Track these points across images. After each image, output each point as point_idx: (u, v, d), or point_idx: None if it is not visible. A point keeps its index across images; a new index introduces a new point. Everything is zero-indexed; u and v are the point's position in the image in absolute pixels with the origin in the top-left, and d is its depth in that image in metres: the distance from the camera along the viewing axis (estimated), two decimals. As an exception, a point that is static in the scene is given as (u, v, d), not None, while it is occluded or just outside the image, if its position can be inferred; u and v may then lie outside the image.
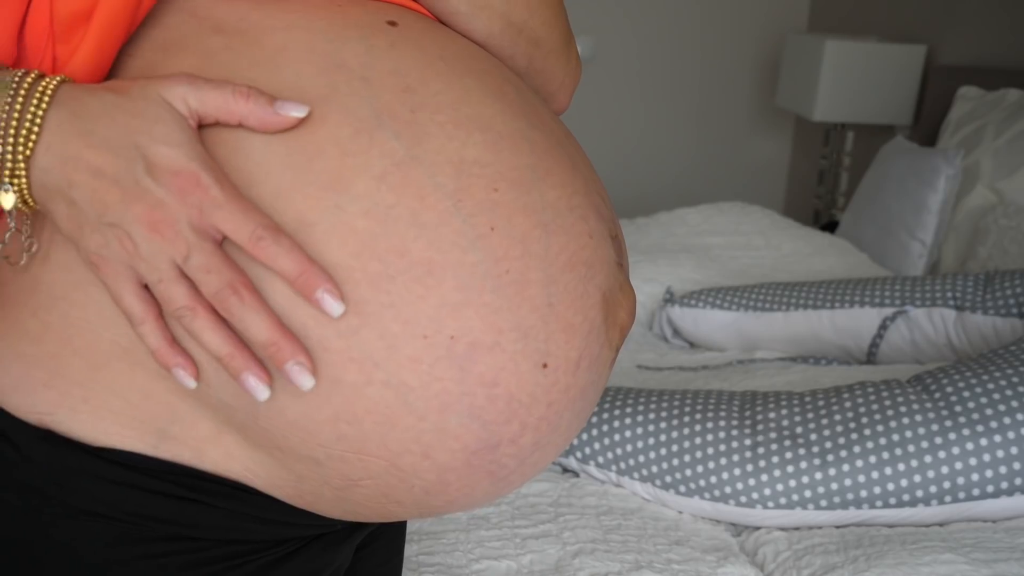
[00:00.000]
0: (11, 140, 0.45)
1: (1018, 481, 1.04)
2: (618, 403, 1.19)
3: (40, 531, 0.51)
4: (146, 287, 0.47)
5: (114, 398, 0.50)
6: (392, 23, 0.54)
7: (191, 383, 0.48)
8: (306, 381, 0.46)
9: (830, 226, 2.70)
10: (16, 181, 0.46)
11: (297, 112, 0.48)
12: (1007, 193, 2.00)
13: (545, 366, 0.51)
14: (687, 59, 3.18)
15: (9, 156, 0.46)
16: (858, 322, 1.61)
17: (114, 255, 0.46)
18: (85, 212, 0.46)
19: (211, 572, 0.53)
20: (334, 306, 0.46)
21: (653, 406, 1.17)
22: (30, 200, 0.47)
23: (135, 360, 0.50)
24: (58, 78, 0.47)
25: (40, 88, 0.46)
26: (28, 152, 0.46)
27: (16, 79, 0.46)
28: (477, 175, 0.50)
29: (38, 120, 0.45)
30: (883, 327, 1.59)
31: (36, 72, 0.47)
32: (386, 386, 0.48)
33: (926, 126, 2.44)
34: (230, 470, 0.52)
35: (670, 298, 1.77)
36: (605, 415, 1.17)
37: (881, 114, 2.61)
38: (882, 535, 1.04)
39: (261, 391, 0.47)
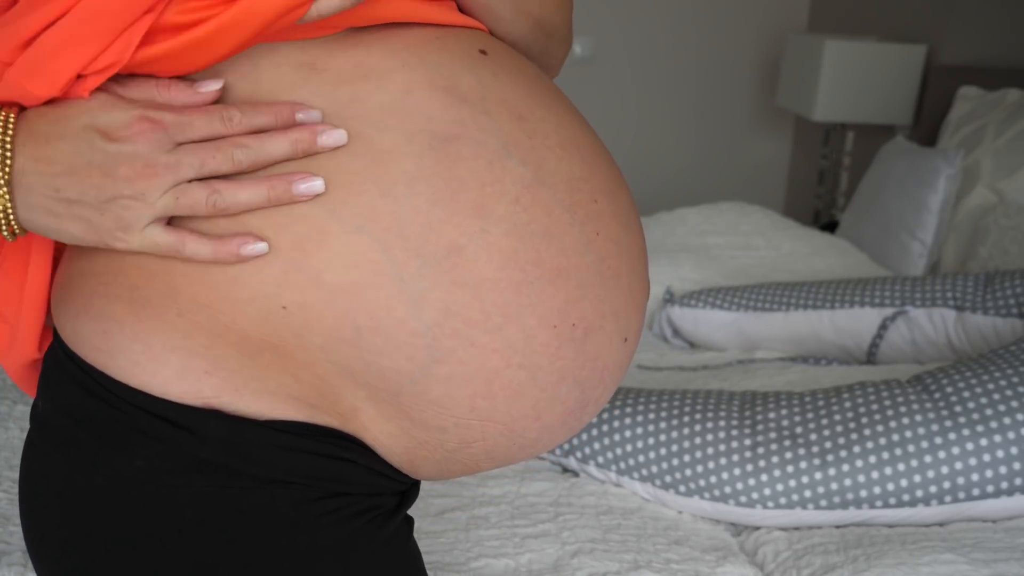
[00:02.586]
0: None
1: (1018, 481, 1.04)
2: (618, 403, 1.18)
3: (232, 505, 0.56)
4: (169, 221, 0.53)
5: (270, 381, 0.55)
6: (483, 51, 0.60)
7: (263, 247, 0.52)
8: (340, 134, 0.53)
9: (830, 226, 2.70)
10: (3, 204, 0.51)
11: (214, 86, 0.53)
12: (1007, 193, 2.00)
13: (626, 340, 0.62)
14: (687, 59, 3.17)
15: None
16: (858, 322, 1.61)
17: (132, 220, 0.51)
18: (85, 202, 0.51)
19: (364, 521, 0.60)
20: (313, 113, 0.53)
21: (653, 406, 1.17)
22: (14, 223, 0.53)
23: (285, 352, 0.55)
24: (12, 111, 0.52)
25: (1, 119, 0.51)
26: (6, 176, 0.51)
27: None
28: (582, 190, 0.58)
29: (8, 146, 0.51)
30: (883, 327, 1.59)
31: None
32: (521, 367, 0.56)
33: (926, 126, 2.44)
34: (361, 437, 0.59)
35: (670, 298, 1.77)
36: (605, 415, 1.17)
37: (881, 114, 2.61)
38: (882, 535, 1.04)
39: (316, 182, 0.52)
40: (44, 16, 0.50)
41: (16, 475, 1.06)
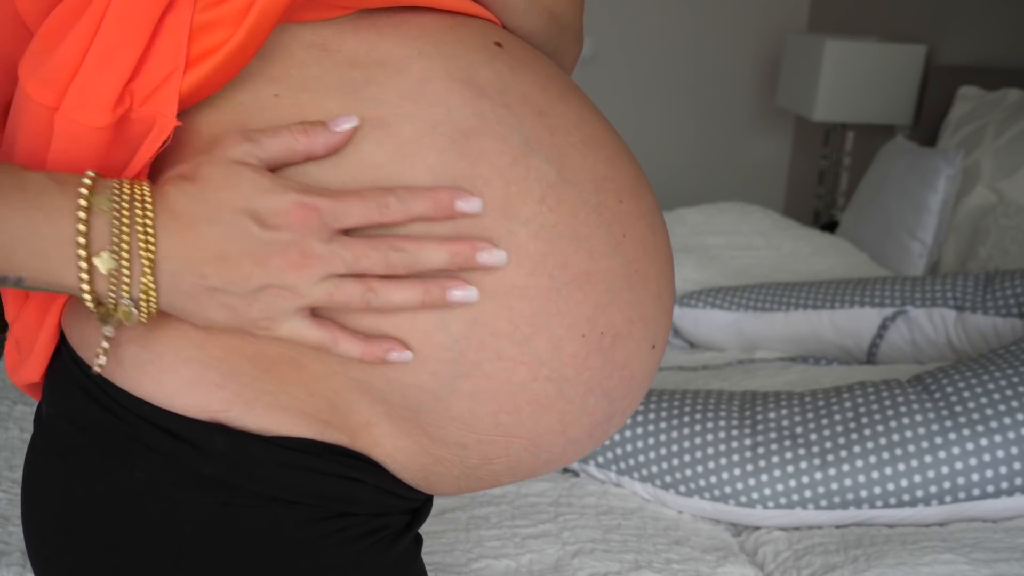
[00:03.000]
0: (125, 254, 0.46)
1: (1018, 481, 1.04)
2: (618, 403, 1.19)
3: (232, 523, 0.54)
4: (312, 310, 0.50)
5: (282, 395, 0.53)
6: (498, 44, 0.57)
7: (408, 356, 0.51)
8: (500, 255, 0.50)
9: (830, 226, 2.70)
10: (144, 290, 0.47)
11: (350, 123, 0.50)
12: (1007, 193, 2.00)
13: (654, 347, 0.59)
14: (687, 59, 3.17)
15: (126, 269, 0.47)
16: (858, 322, 1.61)
17: (279, 310, 0.49)
18: (232, 291, 0.48)
19: (371, 543, 0.58)
20: (474, 203, 0.50)
21: (653, 406, 1.17)
22: (153, 310, 0.49)
23: (300, 364, 0.53)
24: (143, 184, 0.48)
25: (138, 197, 0.47)
26: (150, 262, 0.47)
27: (115, 192, 0.47)
28: (608, 189, 0.55)
29: (150, 229, 0.46)
30: (883, 327, 1.59)
31: (127, 181, 0.47)
32: (548, 380, 0.54)
33: (926, 126, 2.44)
34: (372, 454, 0.57)
35: (670, 298, 1.77)
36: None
37: (881, 114, 2.61)
38: (882, 535, 1.04)
39: (471, 292, 0.50)
40: (77, 46, 0.48)
41: (16, 475, 1.06)
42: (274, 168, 0.50)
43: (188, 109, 0.51)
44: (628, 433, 1.15)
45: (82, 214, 0.46)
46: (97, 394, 0.54)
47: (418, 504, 0.63)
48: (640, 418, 1.15)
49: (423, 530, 1.03)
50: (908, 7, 2.71)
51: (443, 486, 0.60)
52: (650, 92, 3.19)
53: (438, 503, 1.09)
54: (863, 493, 1.05)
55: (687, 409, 1.15)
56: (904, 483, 1.05)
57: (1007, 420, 1.05)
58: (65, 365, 0.57)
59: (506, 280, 0.51)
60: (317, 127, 0.49)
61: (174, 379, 0.52)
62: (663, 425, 1.14)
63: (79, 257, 0.46)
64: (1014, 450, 1.04)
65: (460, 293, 0.50)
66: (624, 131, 3.13)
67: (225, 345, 0.52)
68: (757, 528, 1.10)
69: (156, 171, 0.52)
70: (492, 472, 0.58)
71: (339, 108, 0.51)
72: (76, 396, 0.55)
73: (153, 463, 0.53)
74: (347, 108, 0.51)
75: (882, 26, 2.82)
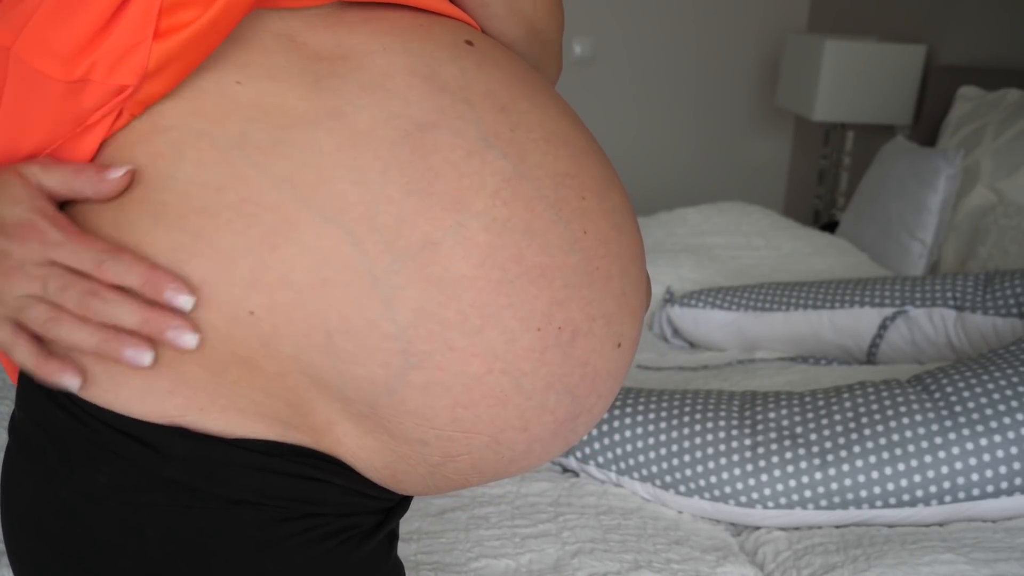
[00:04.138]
0: None
1: (1018, 481, 1.04)
2: (618, 403, 1.19)
3: (192, 525, 0.54)
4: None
5: (239, 397, 0.53)
6: (469, 42, 0.58)
7: (76, 382, 0.51)
8: (190, 340, 0.49)
9: (830, 226, 2.70)
10: None
11: (118, 173, 0.51)
12: (1007, 193, 2.00)
13: (619, 345, 0.59)
14: (687, 59, 3.17)
15: None
16: (858, 322, 1.61)
17: None
18: None
19: (338, 542, 0.58)
20: (184, 300, 0.49)
21: (653, 406, 1.17)
22: None
23: (253, 365, 0.52)
24: None
25: None
26: None
27: None
28: (569, 186, 0.56)
29: None
30: (883, 327, 1.59)
31: None
32: (503, 373, 0.54)
33: (926, 126, 2.44)
34: (337, 454, 0.56)
35: (670, 298, 1.77)
36: (605, 414, 1.17)
37: (881, 114, 2.61)
38: (882, 535, 1.04)
39: (143, 357, 0.50)
40: None
41: (16, 475, 1.06)
42: (57, 200, 0.52)
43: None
44: (628, 433, 1.15)
45: None
46: (62, 400, 0.54)
47: (391, 504, 0.63)
48: (640, 418, 1.15)
49: (424, 530, 1.03)
50: (908, 7, 2.71)
51: (411, 484, 0.59)
52: (650, 92, 3.19)
53: (438, 503, 1.09)
54: (863, 493, 1.05)
55: (687, 409, 1.15)
56: (904, 483, 1.05)
57: (1007, 420, 1.05)
58: None
59: (453, 269, 0.51)
60: (90, 171, 0.50)
61: (125, 389, 0.52)
62: (663, 425, 1.14)
63: None
64: (1014, 450, 1.04)
65: (131, 353, 0.50)
66: (624, 131, 3.15)
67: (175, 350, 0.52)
68: (757, 528, 1.10)
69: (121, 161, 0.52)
70: (457, 470, 0.58)
71: (298, 98, 0.52)
72: (42, 402, 0.55)
73: (116, 467, 0.53)
74: (306, 98, 0.52)
75: (882, 26, 2.82)
